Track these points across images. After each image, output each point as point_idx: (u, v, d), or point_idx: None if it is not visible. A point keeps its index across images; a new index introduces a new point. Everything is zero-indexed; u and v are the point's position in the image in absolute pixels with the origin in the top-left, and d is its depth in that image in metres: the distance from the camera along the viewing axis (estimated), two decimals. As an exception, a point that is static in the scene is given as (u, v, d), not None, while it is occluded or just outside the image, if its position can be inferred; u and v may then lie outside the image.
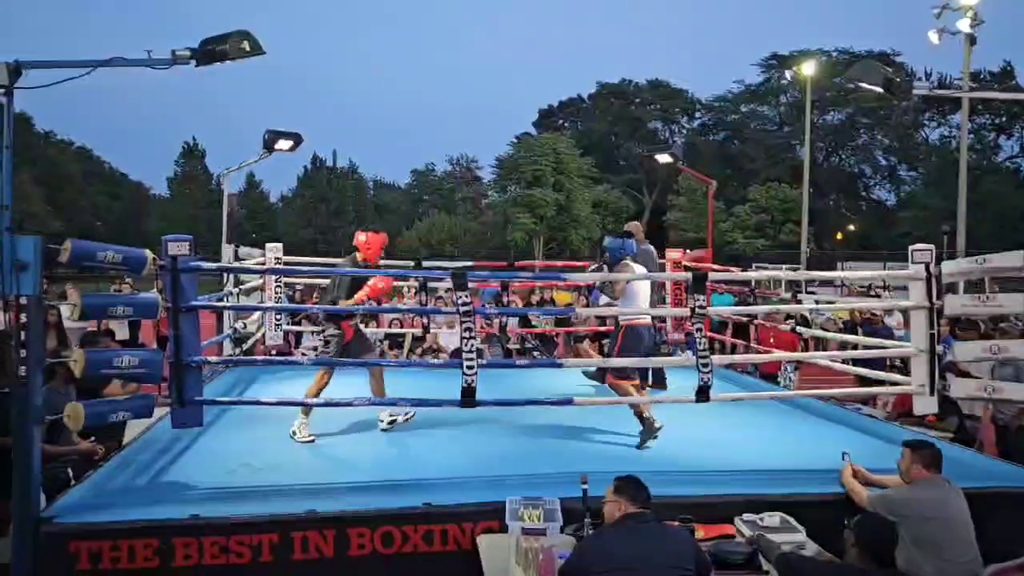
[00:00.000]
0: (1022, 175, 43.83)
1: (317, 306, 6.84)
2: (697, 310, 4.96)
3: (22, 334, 3.72)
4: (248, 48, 4.59)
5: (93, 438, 5.30)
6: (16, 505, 3.68)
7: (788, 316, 9.52)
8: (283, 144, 9.13)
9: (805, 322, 10.07)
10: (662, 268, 8.99)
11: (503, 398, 5.22)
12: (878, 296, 15.39)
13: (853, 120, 50.44)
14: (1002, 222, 36.25)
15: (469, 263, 13.07)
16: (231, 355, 7.54)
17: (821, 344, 11.06)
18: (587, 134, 56.48)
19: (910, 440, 4.18)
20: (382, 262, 6.45)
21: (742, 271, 11.38)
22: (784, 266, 26.36)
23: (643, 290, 5.75)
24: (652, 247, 7.61)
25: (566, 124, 60.26)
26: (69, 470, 4.98)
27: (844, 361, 7.07)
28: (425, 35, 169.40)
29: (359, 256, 5.79)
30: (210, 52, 4.47)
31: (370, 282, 5.51)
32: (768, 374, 9.28)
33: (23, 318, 3.73)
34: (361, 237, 5.83)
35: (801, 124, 39.46)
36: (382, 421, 5.71)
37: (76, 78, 4.09)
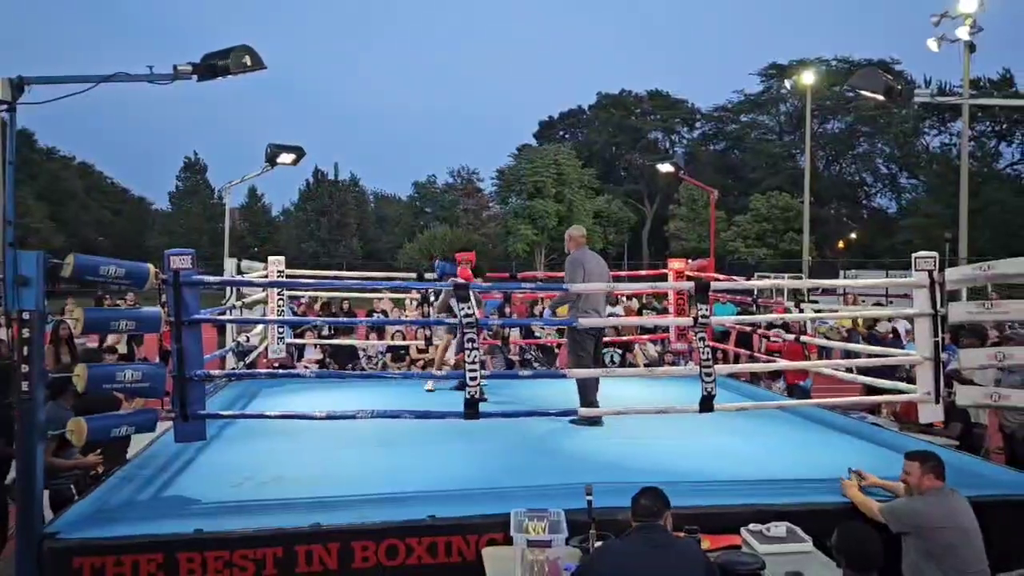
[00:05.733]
0: (1023, 182, 43.84)
1: (321, 318, 6.86)
2: (700, 320, 4.95)
3: (24, 349, 3.72)
4: (249, 63, 4.60)
5: (100, 451, 5.28)
6: (19, 521, 3.67)
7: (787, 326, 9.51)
8: (285, 158, 9.16)
9: (790, 329, 9.98)
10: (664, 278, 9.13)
11: (507, 409, 5.20)
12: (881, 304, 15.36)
13: (853, 128, 50.59)
14: (1004, 229, 36.22)
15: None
16: (234, 369, 7.53)
17: (825, 353, 11.03)
18: (588, 145, 56.69)
19: (915, 452, 4.12)
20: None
21: (746, 280, 11.34)
22: (786, 275, 26.36)
23: None
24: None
25: (566, 135, 60.51)
26: (72, 486, 4.96)
27: (849, 370, 7.05)
28: (426, 49, 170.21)
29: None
30: (211, 67, 4.48)
31: None
32: (791, 384, 9.23)
33: (25, 333, 3.72)
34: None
35: (801, 133, 39.65)
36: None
37: (78, 94, 4.10)
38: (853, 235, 50.91)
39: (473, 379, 4.63)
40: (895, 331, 10.35)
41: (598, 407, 6.15)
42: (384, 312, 12.70)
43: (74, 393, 5.08)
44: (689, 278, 9.13)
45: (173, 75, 4.35)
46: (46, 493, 4.65)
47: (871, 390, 6.36)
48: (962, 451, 5.92)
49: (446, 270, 7.96)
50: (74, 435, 4.04)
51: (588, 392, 6.31)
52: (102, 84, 4.19)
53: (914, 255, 5.41)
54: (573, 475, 4.52)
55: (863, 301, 19.13)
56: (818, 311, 10.60)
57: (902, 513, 3.90)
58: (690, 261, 10.38)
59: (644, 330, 11.00)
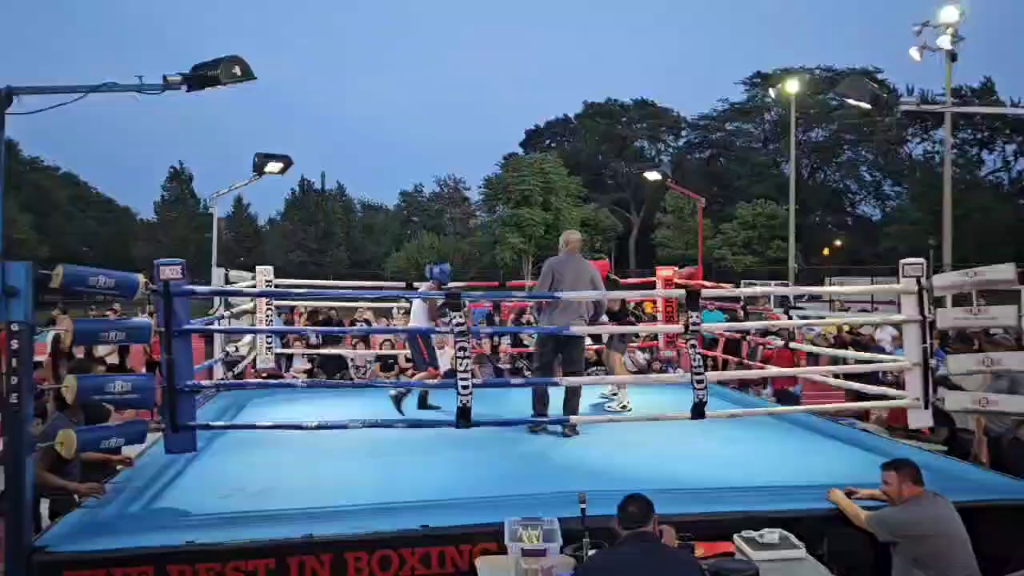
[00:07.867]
0: (1004, 189, 44.35)
1: (310, 328, 6.80)
2: (691, 327, 4.97)
3: (13, 361, 3.68)
4: (239, 73, 4.60)
5: (119, 465, 5.13)
6: (8, 534, 3.62)
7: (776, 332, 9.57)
8: (273, 167, 9.15)
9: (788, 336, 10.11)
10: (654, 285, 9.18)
11: (498, 418, 5.19)
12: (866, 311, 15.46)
13: (837, 137, 50.97)
14: (986, 235, 36.61)
15: (460, 283, 13.06)
16: (222, 379, 7.49)
17: (813, 359, 11.08)
18: (574, 153, 56.77)
19: (890, 462, 4.14)
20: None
21: (733, 287, 11.41)
22: (773, 282, 26.51)
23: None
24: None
25: (553, 144, 60.56)
26: (76, 496, 4.89)
27: (837, 376, 7.08)
28: (412, 57, 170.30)
29: None
30: (201, 77, 4.47)
31: None
32: (780, 390, 9.38)
33: (14, 345, 3.68)
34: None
35: (786, 141, 39.88)
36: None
37: (67, 104, 4.09)
38: (838, 242, 51.25)
39: (465, 388, 4.63)
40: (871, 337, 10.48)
41: (546, 416, 6.18)
42: (367, 322, 12.64)
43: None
44: (679, 286, 9.19)
45: (163, 85, 4.34)
46: (46, 503, 4.60)
47: (859, 396, 6.39)
48: (950, 456, 5.96)
49: (434, 274, 7.43)
50: (63, 446, 4.00)
51: (536, 400, 6.32)
52: (89, 94, 4.18)
53: (902, 262, 5.45)
54: (566, 483, 4.52)
55: (849, 308, 19.28)
56: (805, 318, 10.67)
57: (889, 523, 3.93)
58: (679, 269, 10.43)
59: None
